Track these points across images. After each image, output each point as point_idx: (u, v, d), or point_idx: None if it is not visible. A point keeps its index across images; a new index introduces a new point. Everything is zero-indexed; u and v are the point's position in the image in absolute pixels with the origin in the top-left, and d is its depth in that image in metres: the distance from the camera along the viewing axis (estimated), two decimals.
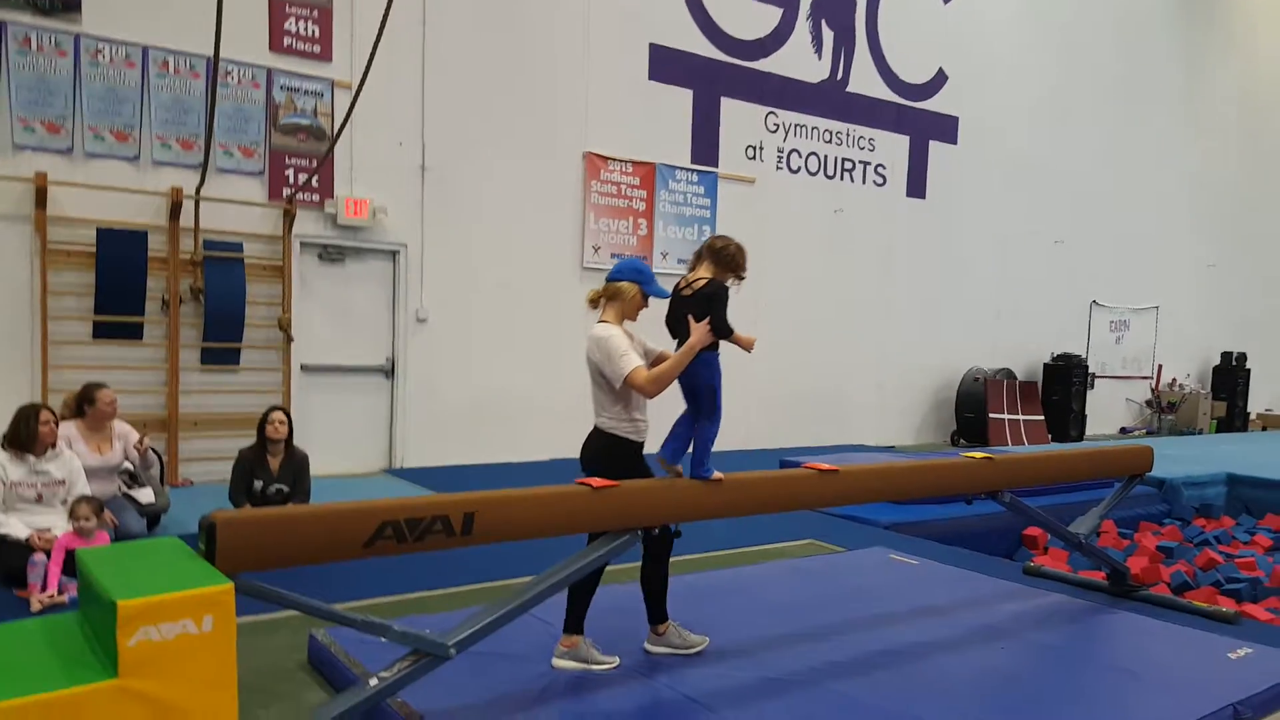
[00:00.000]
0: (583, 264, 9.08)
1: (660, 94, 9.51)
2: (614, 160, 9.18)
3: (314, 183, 7.52)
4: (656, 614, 3.59)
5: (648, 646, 3.61)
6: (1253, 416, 16.09)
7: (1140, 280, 14.72)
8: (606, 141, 9.14)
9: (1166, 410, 14.88)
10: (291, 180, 7.49)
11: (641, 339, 3.48)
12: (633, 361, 3.27)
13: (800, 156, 10.64)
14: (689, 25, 9.70)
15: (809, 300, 10.64)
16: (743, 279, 3.41)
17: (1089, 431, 13.36)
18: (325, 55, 7.61)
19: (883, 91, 11.33)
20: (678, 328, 3.38)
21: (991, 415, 11.95)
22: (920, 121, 11.71)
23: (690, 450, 3.37)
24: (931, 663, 3.65)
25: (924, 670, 3.56)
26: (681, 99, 9.68)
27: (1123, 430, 14.60)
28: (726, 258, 3.36)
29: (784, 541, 5.85)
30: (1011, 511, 4.53)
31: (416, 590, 4.52)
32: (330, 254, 7.82)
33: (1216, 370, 15.83)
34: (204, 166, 6.69)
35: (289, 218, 7.40)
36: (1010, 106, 12.61)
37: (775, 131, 10.43)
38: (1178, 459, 9.34)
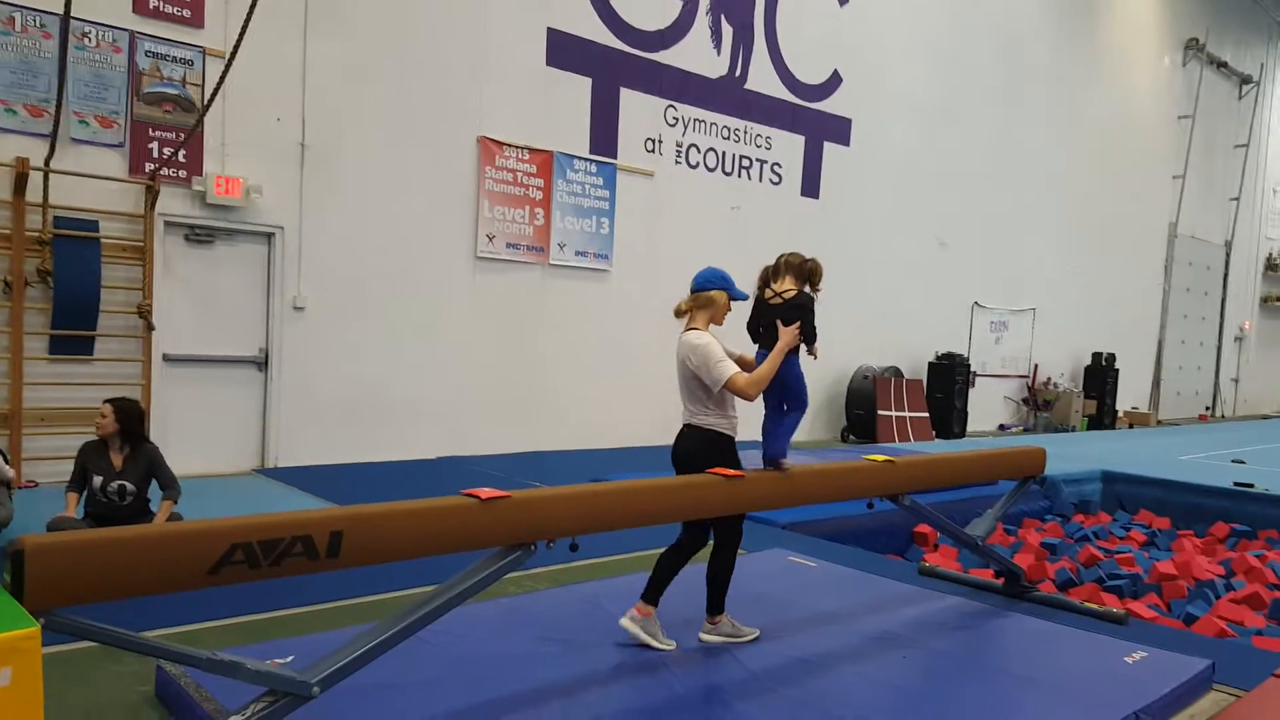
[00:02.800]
0: (476, 253, 8.72)
1: (559, 81, 9.23)
2: (510, 146, 8.85)
3: (181, 158, 6.94)
4: (716, 604, 3.80)
5: (704, 636, 3.79)
6: (1120, 414, 17.00)
7: (1019, 283, 15.31)
8: (502, 127, 8.80)
9: (1042, 408, 15.53)
10: (156, 154, 6.87)
11: (723, 342, 3.68)
12: (731, 367, 3.56)
13: (699, 152, 10.54)
14: (589, 12, 9.45)
15: None
16: (819, 290, 3.80)
17: (970, 428, 13.80)
18: (196, 20, 7.02)
19: (780, 91, 11.35)
20: (763, 333, 3.74)
21: (880, 412, 12.18)
22: (815, 122, 11.79)
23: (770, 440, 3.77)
24: (834, 676, 3.53)
25: (826, 685, 3.43)
26: (580, 87, 9.42)
27: (1001, 427, 15.16)
28: (808, 272, 3.76)
29: None
30: (910, 514, 4.49)
31: (285, 607, 4.11)
32: (198, 235, 7.22)
33: (1088, 370, 16.65)
34: (53, 136, 6.06)
35: (152, 195, 6.79)
36: (900, 111, 12.86)
37: (675, 125, 10.29)
38: (1056, 456, 9.64)
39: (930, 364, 13.51)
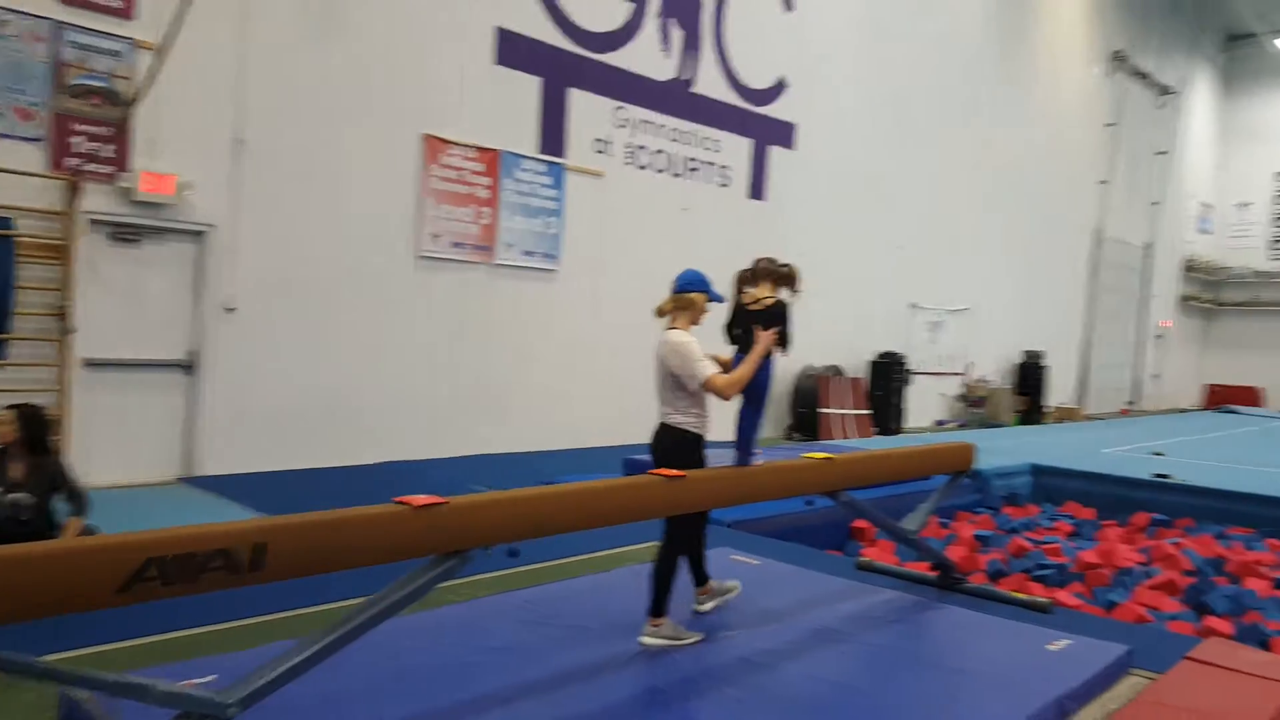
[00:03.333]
0: (418, 252, 8.67)
1: (506, 80, 9.24)
2: (456, 145, 8.84)
3: (108, 153, 6.71)
4: (659, 606, 3.85)
5: (644, 640, 3.81)
6: (1049, 409, 17.61)
7: (954, 284, 15.75)
8: (448, 124, 8.77)
9: (976, 404, 16.02)
10: (80, 149, 6.64)
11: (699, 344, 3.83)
12: (711, 367, 3.72)
13: (649, 153, 10.66)
14: (537, 11, 9.48)
15: (655, 296, 10.64)
16: (797, 293, 3.99)
17: (909, 424, 14.18)
18: (126, 12, 6.82)
19: (727, 94, 11.52)
20: (741, 337, 3.91)
21: (823, 410, 12.48)
22: (761, 126, 11.99)
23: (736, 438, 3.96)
24: (775, 673, 3.65)
25: (767, 683, 3.55)
26: (529, 86, 9.44)
27: (938, 423, 15.59)
28: (784, 277, 3.96)
29: (632, 545, 5.78)
30: (847, 510, 4.66)
31: (213, 622, 3.94)
32: (124, 234, 6.98)
33: (1019, 367, 17.22)
34: None
35: (74, 191, 6.57)
36: (841, 116, 13.13)
37: (624, 127, 10.38)
38: (988, 451, 9.98)
39: (871, 363, 13.86)
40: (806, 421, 12.50)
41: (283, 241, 7.74)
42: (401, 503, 2.62)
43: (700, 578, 4.21)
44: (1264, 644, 5.04)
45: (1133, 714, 3.39)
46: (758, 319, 3.85)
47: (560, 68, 9.69)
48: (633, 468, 7.28)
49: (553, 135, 9.68)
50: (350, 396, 8.20)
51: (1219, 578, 6.47)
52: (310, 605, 4.19)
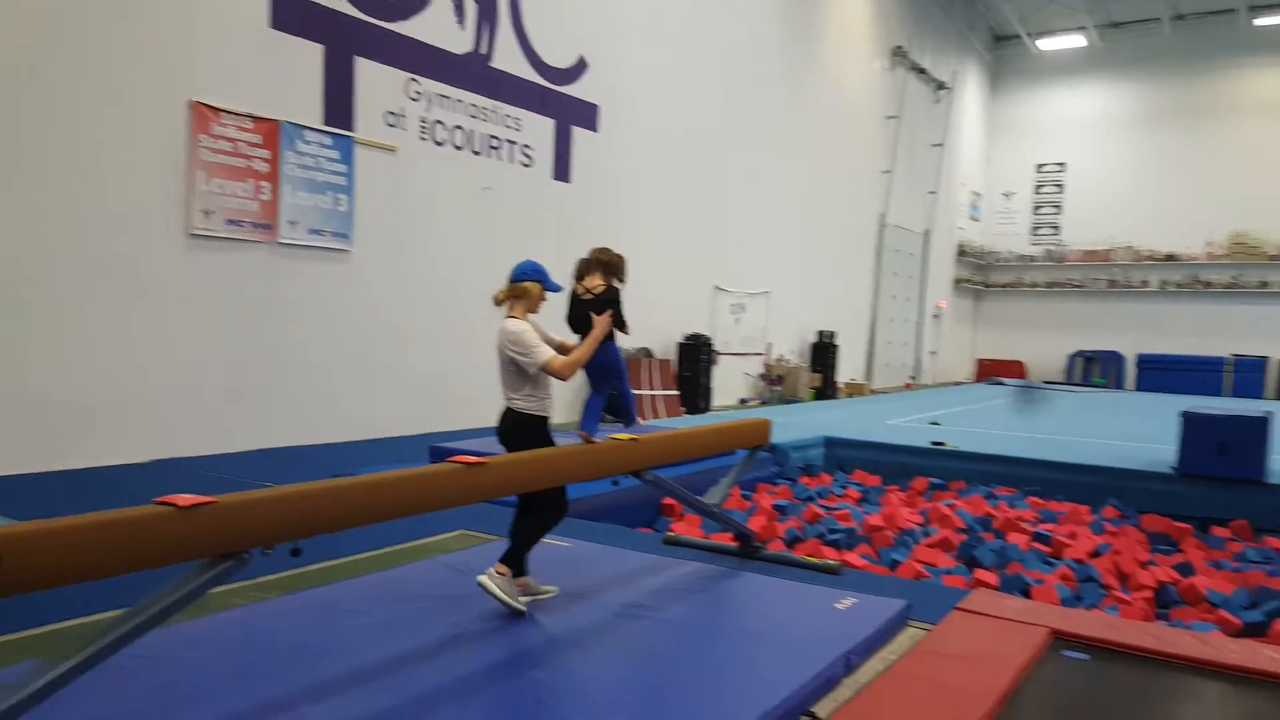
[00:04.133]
0: (189, 230, 7.92)
1: (285, 45, 8.58)
2: (229, 114, 8.12)
3: None
4: (511, 558, 4.00)
5: (483, 579, 3.89)
6: (841, 385, 18.71)
7: (754, 268, 16.36)
8: (219, 91, 8.04)
9: (775, 382, 16.75)
10: None
11: (544, 329, 4.04)
12: (548, 351, 3.91)
13: (446, 129, 10.27)
14: None
15: (456, 278, 10.35)
16: (624, 283, 4.28)
17: (715, 403, 14.61)
18: None
19: (527, 72, 11.30)
20: (579, 324, 4.15)
21: (634, 392, 12.58)
22: (563, 106, 11.87)
23: (587, 417, 4.27)
24: (581, 653, 3.60)
25: (572, 663, 3.50)
26: (310, 54, 8.83)
27: (742, 401, 16.17)
28: (615, 267, 4.22)
29: (434, 535, 5.55)
30: (653, 488, 4.67)
31: None
32: None
33: (814, 347, 18.17)
34: None
35: None
36: (643, 100, 13.24)
37: (418, 100, 9.94)
38: (786, 425, 10.48)
39: (679, 344, 14.14)
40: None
41: (16, 218, 6.76)
42: (165, 503, 2.38)
43: (512, 560, 4.06)
44: (1025, 592, 5.55)
45: (909, 663, 3.59)
46: (592, 306, 4.12)
47: (345, 35, 9.12)
48: (439, 456, 7.02)
49: (339, 107, 9.11)
50: (110, 389, 7.37)
51: (987, 534, 7.08)
52: (66, 619, 3.77)
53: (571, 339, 4.18)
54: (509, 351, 3.92)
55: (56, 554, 2.13)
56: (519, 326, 3.93)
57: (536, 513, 4.06)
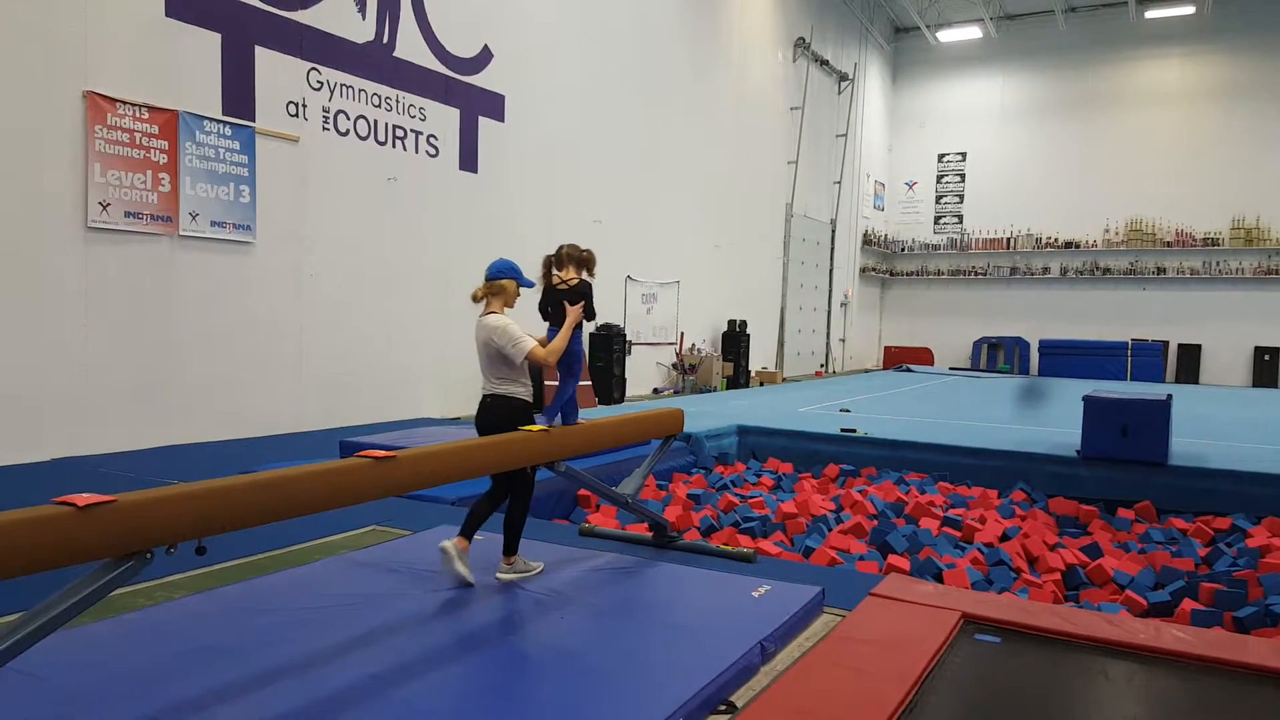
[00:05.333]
0: (87, 223, 7.57)
1: (181, 34, 8.25)
2: (125, 104, 7.78)
3: None
4: (511, 547, 4.42)
5: (500, 575, 4.38)
6: (753, 374, 19.02)
7: (665, 258, 16.48)
8: (114, 81, 7.70)
9: (688, 372, 16.93)
10: None
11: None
12: (531, 342, 4.26)
13: (349, 119, 10.03)
14: None
15: (363, 269, 10.13)
16: (594, 277, 4.61)
17: (629, 393, 14.68)
18: None
19: (431, 61, 11.11)
20: (552, 312, 4.48)
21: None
22: (469, 96, 11.72)
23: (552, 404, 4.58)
24: (496, 645, 3.60)
25: (488, 658, 3.49)
26: (208, 43, 8.50)
27: (655, 390, 16.30)
28: (587, 262, 4.58)
29: (345, 531, 5.44)
30: (566, 479, 4.69)
31: None
32: None
33: (725, 336, 18.41)
34: None
35: None
36: (551, 91, 13.17)
37: (320, 90, 9.68)
38: (699, 415, 10.60)
39: (591, 335, 14.13)
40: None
41: None
42: (64, 503, 2.31)
43: (511, 548, 4.46)
44: (937, 577, 5.65)
45: (824, 650, 3.65)
46: (565, 296, 4.43)
47: (242, 23, 8.81)
48: (348, 451, 6.87)
49: (239, 97, 8.80)
50: (9, 385, 7.03)
51: (899, 519, 7.16)
52: None
53: (540, 331, 4.51)
54: (495, 344, 4.24)
55: None
56: (501, 321, 4.25)
57: (516, 499, 4.44)
